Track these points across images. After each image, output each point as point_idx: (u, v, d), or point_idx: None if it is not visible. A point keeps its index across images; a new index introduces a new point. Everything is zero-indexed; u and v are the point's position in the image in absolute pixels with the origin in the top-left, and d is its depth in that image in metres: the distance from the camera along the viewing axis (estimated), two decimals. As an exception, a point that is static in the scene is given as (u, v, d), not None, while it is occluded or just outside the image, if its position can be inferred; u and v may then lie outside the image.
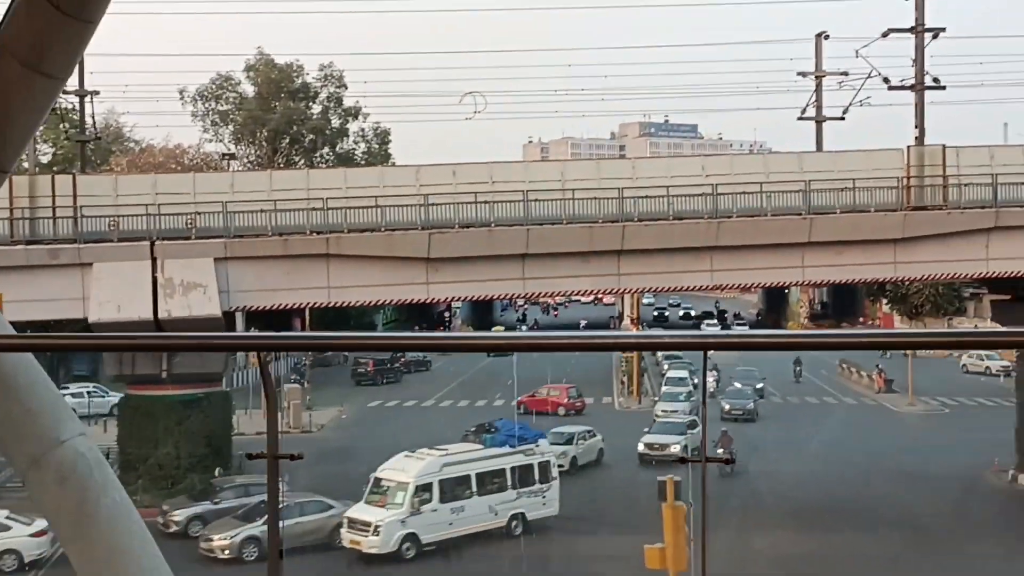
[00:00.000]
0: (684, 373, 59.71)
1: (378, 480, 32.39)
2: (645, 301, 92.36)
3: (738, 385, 57.61)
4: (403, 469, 32.32)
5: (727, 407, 51.96)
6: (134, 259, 35.53)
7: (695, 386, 58.75)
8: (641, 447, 42.69)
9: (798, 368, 65.27)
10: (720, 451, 35.81)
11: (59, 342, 4.74)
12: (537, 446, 34.68)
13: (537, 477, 33.97)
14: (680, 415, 49.05)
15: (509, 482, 33.46)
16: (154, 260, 35.76)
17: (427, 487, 31.75)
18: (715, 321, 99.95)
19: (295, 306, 39.70)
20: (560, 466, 39.59)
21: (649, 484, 37.81)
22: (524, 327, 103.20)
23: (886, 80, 45.64)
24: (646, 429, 44.88)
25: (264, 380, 3.80)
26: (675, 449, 41.64)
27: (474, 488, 32.83)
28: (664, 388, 57.40)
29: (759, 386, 58.30)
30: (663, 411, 50.56)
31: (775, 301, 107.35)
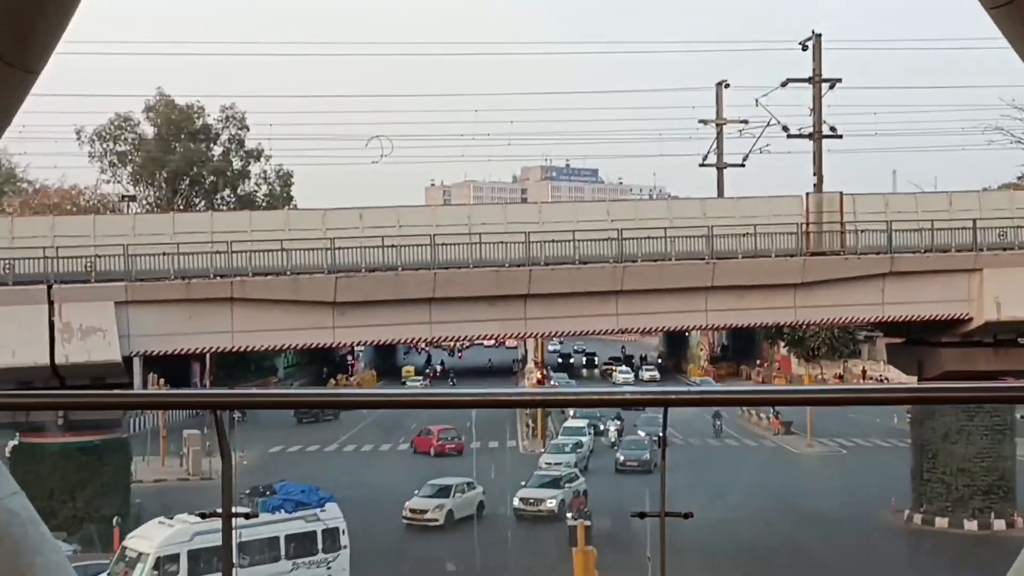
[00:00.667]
0: (583, 423, 57.99)
1: (123, 549, 28.96)
2: (550, 347, 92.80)
3: (641, 434, 54.99)
4: (148, 537, 28.61)
5: (621, 459, 50.08)
6: (30, 303, 34.56)
7: (601, 431, 58.50)
8: (516, 502, 40.83)
9: (718, 423, 62.67)
10: (569, 515, 34.22)
11: (22, 401, 4.54)
12: (323, 511, 31.42)
13: (321, 546, 30.76)
14: (563, 468, 46.42)
15: (283, 552, 30.03)
16: (51, 304, 34.83)
17: (173, 558, 27.60)
18: (626, 368, 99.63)
19: (197, 351, 39.01)
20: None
21: (521, 539, 38.09)
22: (428, 369, 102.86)
23: (785, 128, 46.90)
24: (523, 483, 42.54)
25: (219, 438, 3.70)
26: (550, 504, 40.40)
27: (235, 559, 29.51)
28: (555, 440, 55.40)
29: (661, 433, 55.69)
30: (546, 463, 48.27)
31: (676, 344, 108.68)
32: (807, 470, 53.45)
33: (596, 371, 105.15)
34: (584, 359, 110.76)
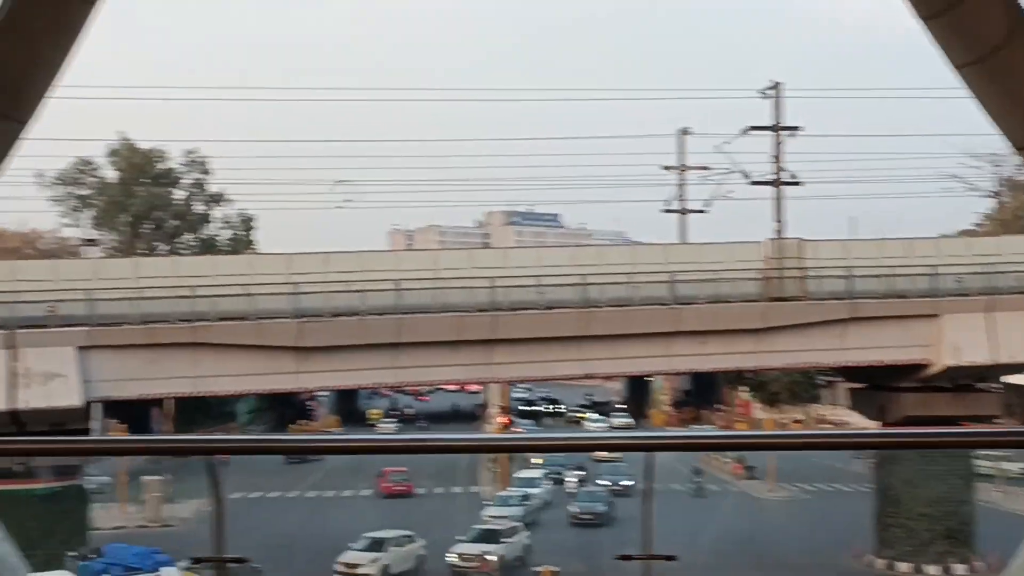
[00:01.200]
0: (538, 473, 54.94)
1: None
2: (514, 395, 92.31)
3: (602, 483, 52.51)
4: None
5: (576, 510, 47.44)
6: (-6, 347, 34.26)
7: (560, 481, 55.98)
8: (452, 557, 38.45)
9: (698, 480, 56.93)
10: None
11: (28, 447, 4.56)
12: (157, 574, 29.92)
13: None
14: (505, 521, 42.92)
15: None
16: (12, 348, 34.50)
17: None
18: (597, 415, 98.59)
19: (159, 396, 38.75)
20: None
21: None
22: (397, 412, 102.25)
23: (746, 175, 47.53)
24: (459, 538, 40.03)
25: (214, 484, 3.76)
26: (490, 559, 38.27)
27: None
28: (502, 492, 51.98)
29: (625, 483, 50.56)
30: (489, 516, 44.62)
31: (638, 389, 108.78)
32: (769, 515, 53.54)
33: (562, 419, 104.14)
34: (550, 407, 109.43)
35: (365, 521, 42.90)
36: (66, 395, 34.29)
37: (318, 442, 3.60)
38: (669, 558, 4.07)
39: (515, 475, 55.37)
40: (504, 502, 48.45)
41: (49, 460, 34.04)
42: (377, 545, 38.67)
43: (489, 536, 40.10)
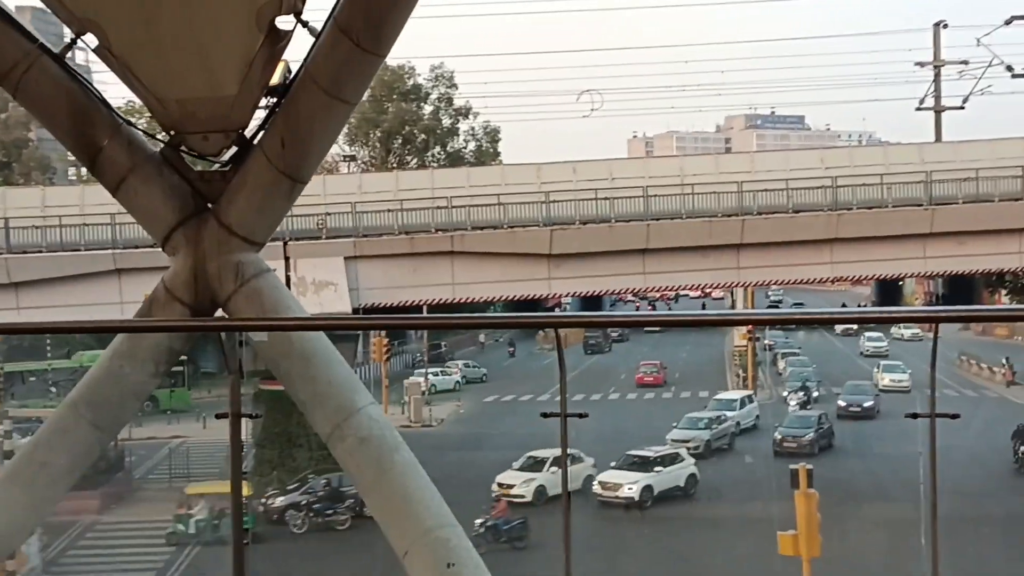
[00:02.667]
0: (737, 396, 47.54)
1: None
2: (769, 300, 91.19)
3: (840, 403, 46.68)
4: None
5: (778, 436, 40.57)
6: (268, 259, 36.82)
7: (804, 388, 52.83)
8: (596, 487, 34.24)
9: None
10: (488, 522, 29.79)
11: (351, 322, 5.52)
12: None
13: None
14: (678, 446, 38.23)
15: None
16: (287, 260, 37.05)
17: None
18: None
19: (422, 302, 40.80)
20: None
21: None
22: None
23: (1009, 68, 45.15)
24: (612, 463, 35.62)
25: (559, 351, 4.48)
26: (628, 491, 34.15)
27: None
28: (693, 413, 43.99)
29: (866, 404, 46.05)
30: (671, 439, 39.27)
31: (888, 293, 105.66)
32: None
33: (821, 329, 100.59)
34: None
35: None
36: (337, 302, 36.64)
37: (630, 317, 4.13)
38: (954, 416, 4.56)
39: (715, 397, 48.50)
40: (692, 424, 41.98)
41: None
42: (538, 465, 35.43)
43: (640, 463, 35.54)
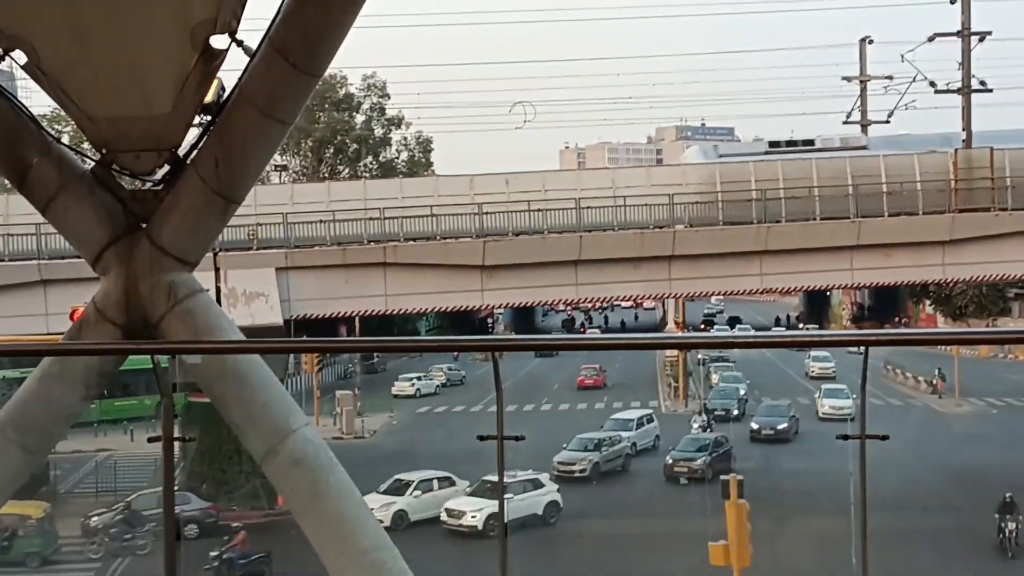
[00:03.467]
0: (634, 415, 46.70)
1: None
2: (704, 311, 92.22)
3: (770, 401, 48.69)
4: None
5: (755, 427, 43.83)
6: (198, 270, 36.40)
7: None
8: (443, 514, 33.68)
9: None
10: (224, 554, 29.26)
11: (286, 346, 5.48)
12: None
13: None
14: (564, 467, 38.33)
15: None
16: (217, 271, 36.65)
17: None
18: (781, 328, 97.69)
19: (354, 314, 40.61)
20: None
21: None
22: (580, 327, 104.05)
23: (932, 84, 46.12)
24: (468, 489, 34.88)
25: (496, 374, 4.47)
26: (471, 519, 32.99)
27: None
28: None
29: (780, 426, 44.83)
30: (557, 461, 38.44)
31: (816, 304, 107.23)
32: (956, 429, 52.61)
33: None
34: (726, 317, 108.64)
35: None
36: (268, 314, 36.35)
37: (566, 340, 4.19)
38: (883, 438, 4.63)
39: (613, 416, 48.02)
40: (582, 445, 40.60)
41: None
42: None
43: (494, 489, 32.46)
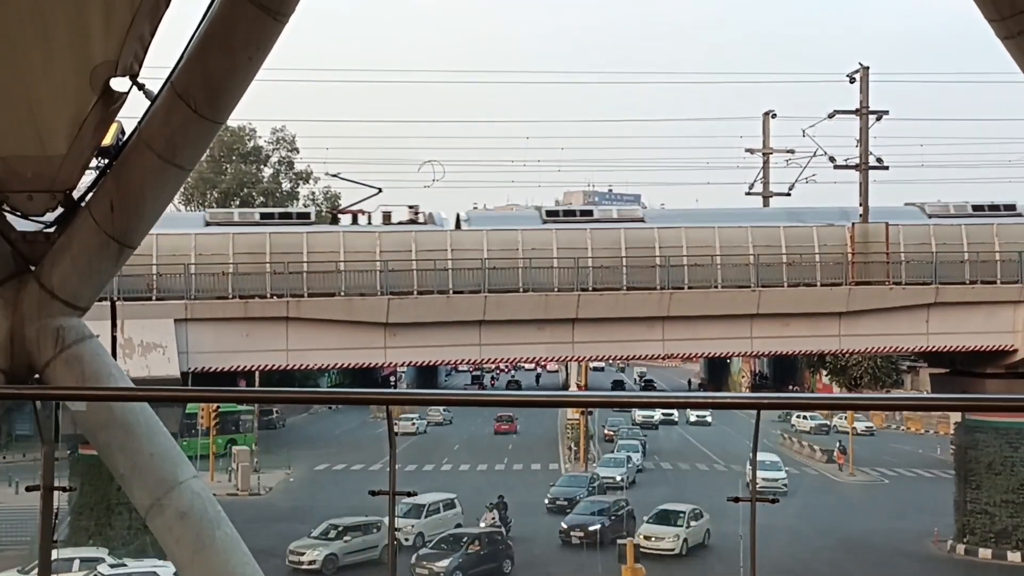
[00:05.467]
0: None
1: None
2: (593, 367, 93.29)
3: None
4: None
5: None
6: (93, 319, 35.55)
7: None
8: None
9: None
10: None
11: (174, 394, 5.34)
12: None
13: None
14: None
15: None
16: (114, 319, 35.76)
17: None
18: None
19: (254, 368, 39.94)
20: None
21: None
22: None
23: (831, 159, 47.32)
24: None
25: (389, 428, 4.42)
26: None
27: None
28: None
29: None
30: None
31: (717, 370, 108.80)
32: (850, 498, 53.55)
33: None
34: (639, 383, 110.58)
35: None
36: (165, 366, 35.58)
37: (469, 396, 4.15)
38: (773, 501, 4.67)
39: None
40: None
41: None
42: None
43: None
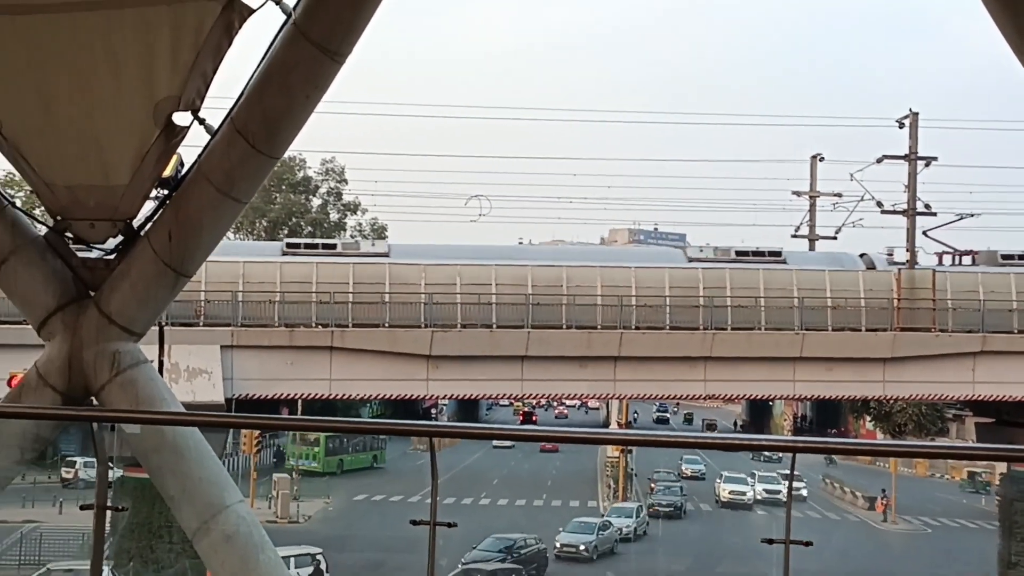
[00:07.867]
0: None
1: None
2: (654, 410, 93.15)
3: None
4: None
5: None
6: (141, 343, 36.07)
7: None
8: None
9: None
10: None
11: (224, 420, 5.54)
12: None
13: None
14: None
15: None
16: (161, 344, 36.24)
17: None
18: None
19: (297, 396, 40.29)
20: None
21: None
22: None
23: (879, 204, 47.14)
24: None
25: (432, 459, 4.57)
26: None
27: None
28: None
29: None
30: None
31: (758, 412, 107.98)
32: (891, 547, 52.86)
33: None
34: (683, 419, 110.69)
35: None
36: (210, 391, 35.96)
37: (512, 430, 4.29)
38: (807, 544, 4.76)
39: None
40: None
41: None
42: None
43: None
